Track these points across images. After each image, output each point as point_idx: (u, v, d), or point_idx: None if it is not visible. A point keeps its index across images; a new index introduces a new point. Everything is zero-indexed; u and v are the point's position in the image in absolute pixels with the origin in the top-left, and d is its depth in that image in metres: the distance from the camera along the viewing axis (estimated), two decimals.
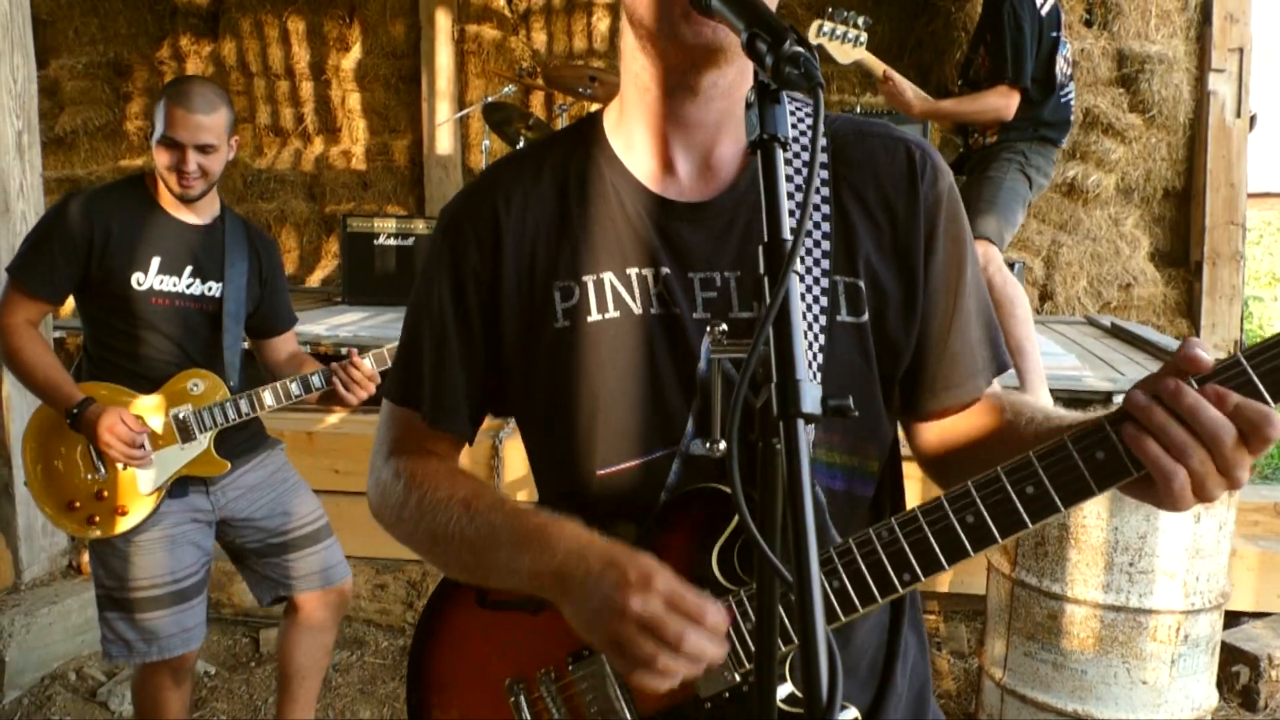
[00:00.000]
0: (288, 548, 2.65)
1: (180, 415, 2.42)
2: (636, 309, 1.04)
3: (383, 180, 8.08)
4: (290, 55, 8.19)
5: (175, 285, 2.42)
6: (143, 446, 2.33)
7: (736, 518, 0.97)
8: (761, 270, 0.77)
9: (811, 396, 0.71)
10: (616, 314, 1.04)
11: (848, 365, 1.03)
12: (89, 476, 2.39)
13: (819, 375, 1.00)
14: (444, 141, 7.81)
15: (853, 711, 1.00)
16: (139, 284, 2.38)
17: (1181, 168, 7.29)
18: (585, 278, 1.06)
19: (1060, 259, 7.16)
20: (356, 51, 8.10)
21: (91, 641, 3.52)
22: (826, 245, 1.02)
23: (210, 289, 2.48)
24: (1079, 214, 7.22)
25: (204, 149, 2.36)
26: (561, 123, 5.48)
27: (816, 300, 1.01)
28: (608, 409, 1.05)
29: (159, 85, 8.34)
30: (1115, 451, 0.87)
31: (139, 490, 2.38)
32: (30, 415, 2.42)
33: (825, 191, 1.03)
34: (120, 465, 2.35)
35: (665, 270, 1.03)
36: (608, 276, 1.05)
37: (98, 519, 2.37)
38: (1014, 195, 3.69)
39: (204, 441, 2.45)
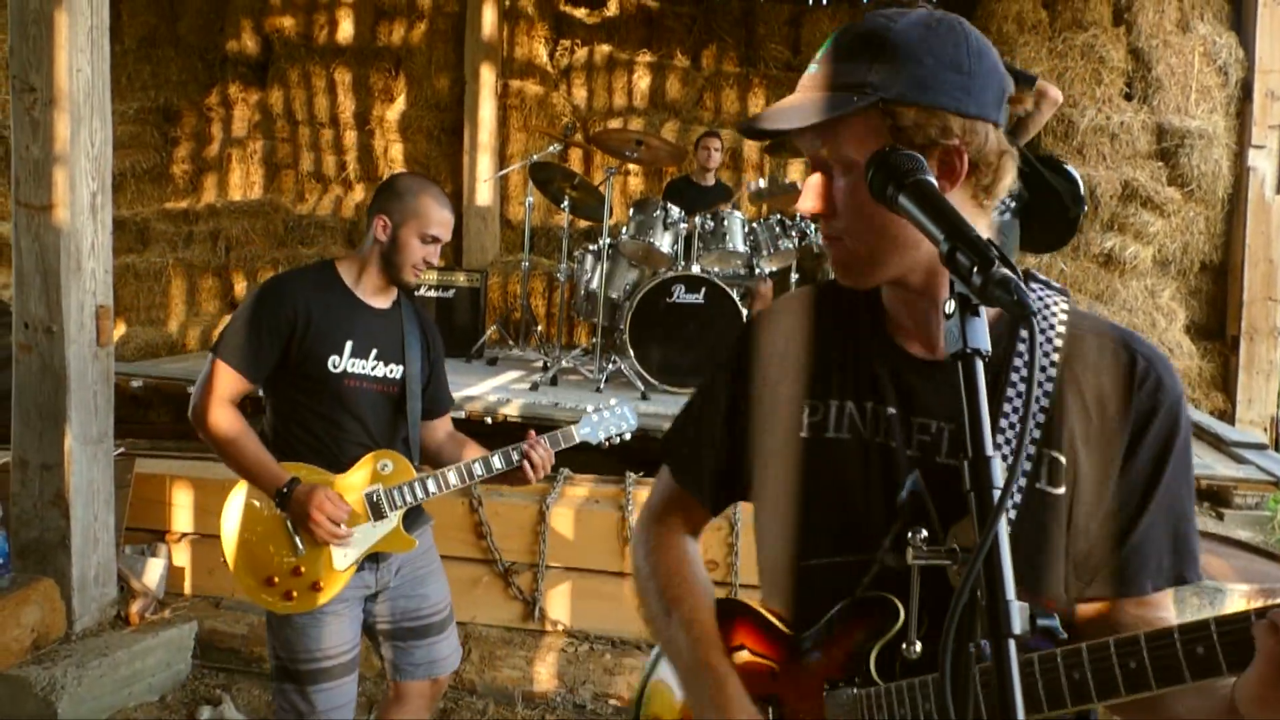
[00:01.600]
0: (415, 633, 2.65)
1: (373, 495, 2.48)
2: (864, 435, 1.21)
3: None
4: (336, 105, 8.37)
5: (364, 368, 2.49)
6: (344, 525, 2.41)
7: (901, 619, 1.12)
8: (966, 486, 0.83)
9: (1020, 617, 0.77)
10: (848, 436, 1.22)
11: (1041, 531, 1.12)
12: (287, 553, 2.44)
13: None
14: (484, 193, 7.93)
15: None
16: (334, 366, 2.45)
17: (1219, 241, 7.32)
18: (831, 401, 1.24)
19: None
20: (401, 103, 8.26)
21: (139, 693, 3.56)
22: (1041, 417, 1.12)
23: (392, 371, 2.54)
24: (1115, 285, 7.24)
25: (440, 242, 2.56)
26: (610, 186, 5.57)
27: (1020, 465, 1.11)
28: (823, 510, 1.23)
29: (206, 131, 8.55)
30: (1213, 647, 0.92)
31: (335, 567, 2.44)
32: (233, 498, 2.50)
33: (1052, 371, 1.14)
34: (321, 543, 2.41)
35: (892, 410, 1.19)
36: (849, 404, 1.23)
37: (295, 594, 2.42)
38: None
39: (394, 520, 2.51)
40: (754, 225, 6.01)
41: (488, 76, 7.87)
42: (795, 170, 8.24)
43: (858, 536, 1.18)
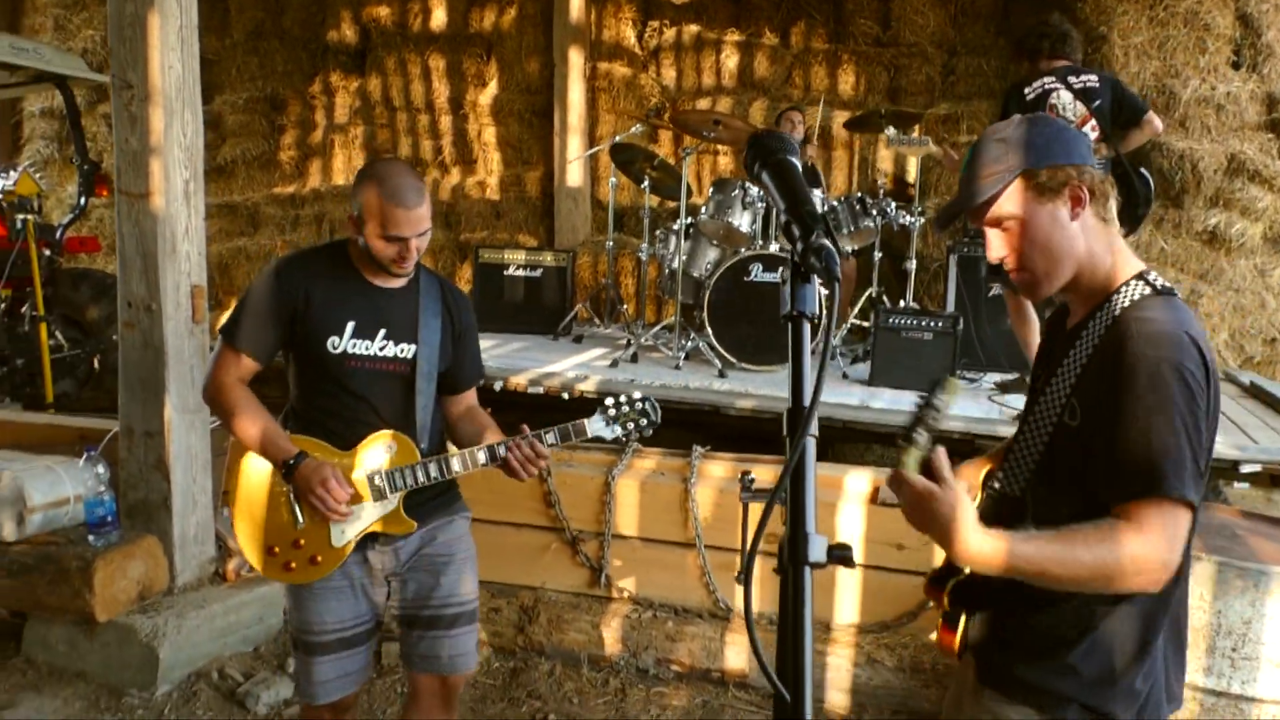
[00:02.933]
0: (433, 623, 2.60)
1: (375, 476, 2.47)
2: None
3: (515, 210, 8.41)
4: (431, 90, 8.64)
5: (368, 348, 2.46)
6: (345, 503, 2.41)
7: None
8: (784, 431, 0.99)
9: (819, 547, 0.96)
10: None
11: (1062, 452, 1.60)
12: (289, 525, 2.47)
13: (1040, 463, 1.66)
14: (574, 175, 8.08)
15: None
16: (334, 347, 2.43)
17: None
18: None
19: (1199, 310, 6.91)
20: (493, 87, 8.47)
21: (233, 644, 3.83)
22: (1078, 371, 1.59)
23: (404, 350, 2.49)
24: (1221, 263, 6.95)
25: (422, 234, 2.42)
26: (687, 165, 5.64)
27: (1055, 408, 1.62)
28: None
29: (311, 119, 8.92)
30: None
31: (333, 543, 2.46)
32: (242, 468, 2.55)
33: (1094, 343, 1.60)
34: (321, 519, 2.42)
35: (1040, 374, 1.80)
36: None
37: (294, 565, 2.47)
38: None
39: (394, 501, 2.49)
40: (834, 203, 5.99)
41: (576, 59, 8.01)
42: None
43: None
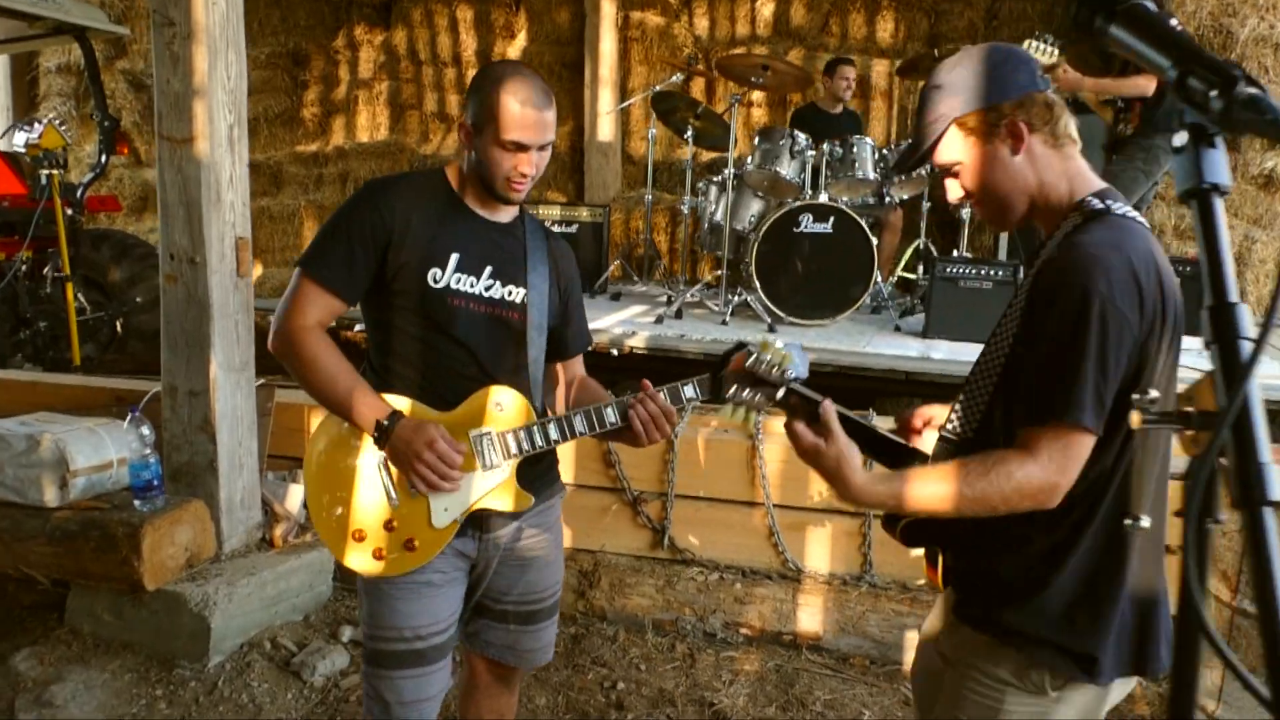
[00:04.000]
0: (512, 617, 2.26)
1: (483, 437, 2.05)
2: None
3: None
4: (458, 43, 8.39)
5: (474, 286, 2.08)
6: (457, 469, 2.01)
7: None
8: (1209, 337, 0.72)
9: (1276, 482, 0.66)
10: None
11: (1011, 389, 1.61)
12: (380, 504, 2.04)
13: None
14: (605, 129, 7.85)
15: None
16: (435, 280, 2.04)
17: None
18: None
19: (1253, 256, 6.69)
20: (522, 39, 8.22)
21: (284, 613, 3.69)
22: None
23: (511, 294, 2.11)
24: (1276, 207, 6.73)
25: (544, 148, 2.05)
26: (735, 113, 5.41)
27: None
28: None
29: (334, 74, 8.68)
30: None
31: (432, 523, 2.04)
32: (316, 434, 2.13)
33: (1036, 274, 1.59)
34: (419, 491, 2.01)
35: None
36: None
37: (385, 553, 2.03)
38: (1130, 191, 4.80)
39: (506, 470, 2.07)
40: (884, 152, 5.77)
41: (608, 9, 7.74)
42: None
43: None
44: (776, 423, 3.96)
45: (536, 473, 2.16)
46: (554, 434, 2.07)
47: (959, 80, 1.61)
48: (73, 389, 4.53)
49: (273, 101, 8.53)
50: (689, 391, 2.05)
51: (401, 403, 2.05)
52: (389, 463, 2.03)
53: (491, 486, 2.07)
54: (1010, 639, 1.59)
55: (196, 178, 3.53)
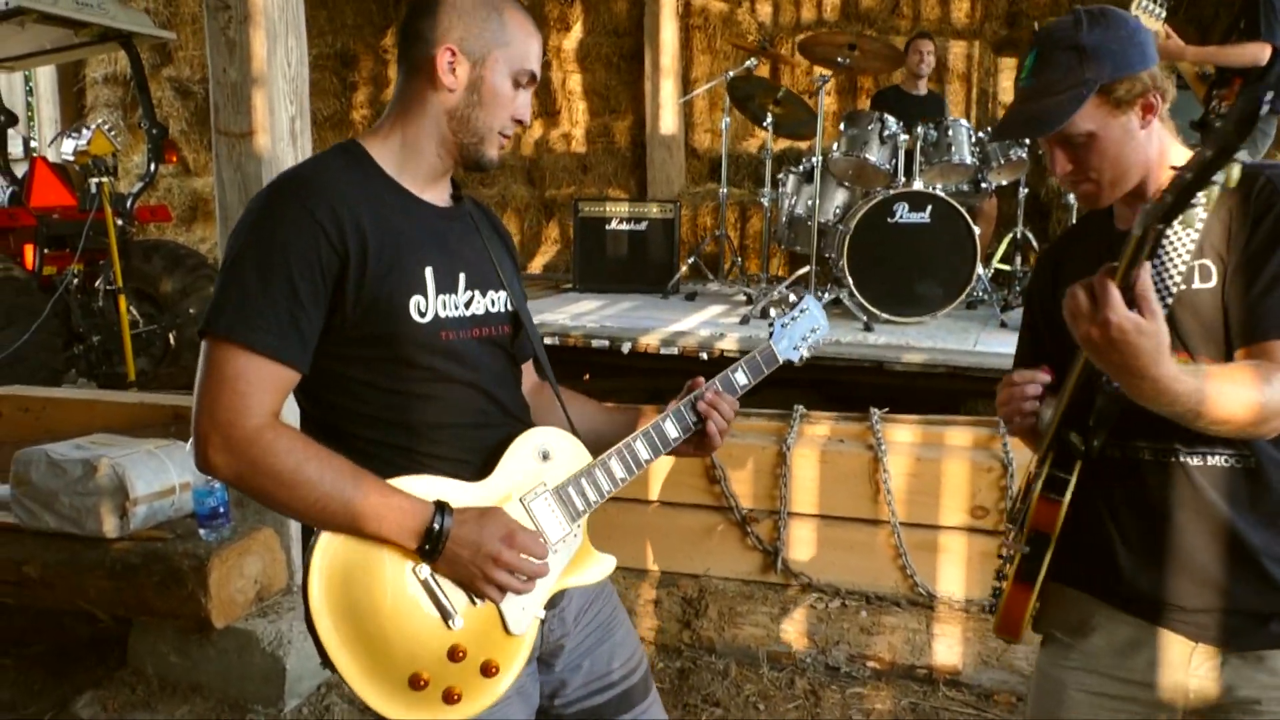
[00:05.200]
0: (616, 706, 1.76)
1: (540, 501, 1.59)
2: None
3: (603, 163, 7.86)
4: None
5: (457, 306, 1.56)
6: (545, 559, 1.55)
7: None
8: None
9: None
10: None
11: (1195, 315, 1.48)
12: (436, 631, 1.49)
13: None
14: (667, 121, 7.49)
15: None
16: (420, 313, 1.50)
17: None
18: None
19: None
20: (578, 31, 7.90)
21: None
22: (1196, 236, 1.47)
23: (495, 302, 1.63)
24: None
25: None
26: (822, 97, 5.02)
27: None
28: None
29: (384, 75, 8.41)
30: None
31: (511, 630, 1.53)
32: (319, 563, 1.44)
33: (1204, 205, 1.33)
34: (493, 599, 1.51)
35: None
36: None
37: (461, 692, 1.49)
38: None
39: (579, 533, 1.63)
40: (981, 134, 5.36)
41: None
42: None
43: None
44: (893, 430, 3.58)
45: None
46: (619, 472, 1.65)
47: (1102, 43, 1.45)
48: (130, 407, 4.24)
49: (321, 104, 8.27)
50: (741, 378, 1.79)
51: (424, 486, 1.49)
52: (436, 575, 1.47)
53: (568, 560, 1.61)
54: None
55: (258, 175, 3.22)
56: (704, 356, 4.43)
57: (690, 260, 6.15)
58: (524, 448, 1.58)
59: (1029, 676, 3.12)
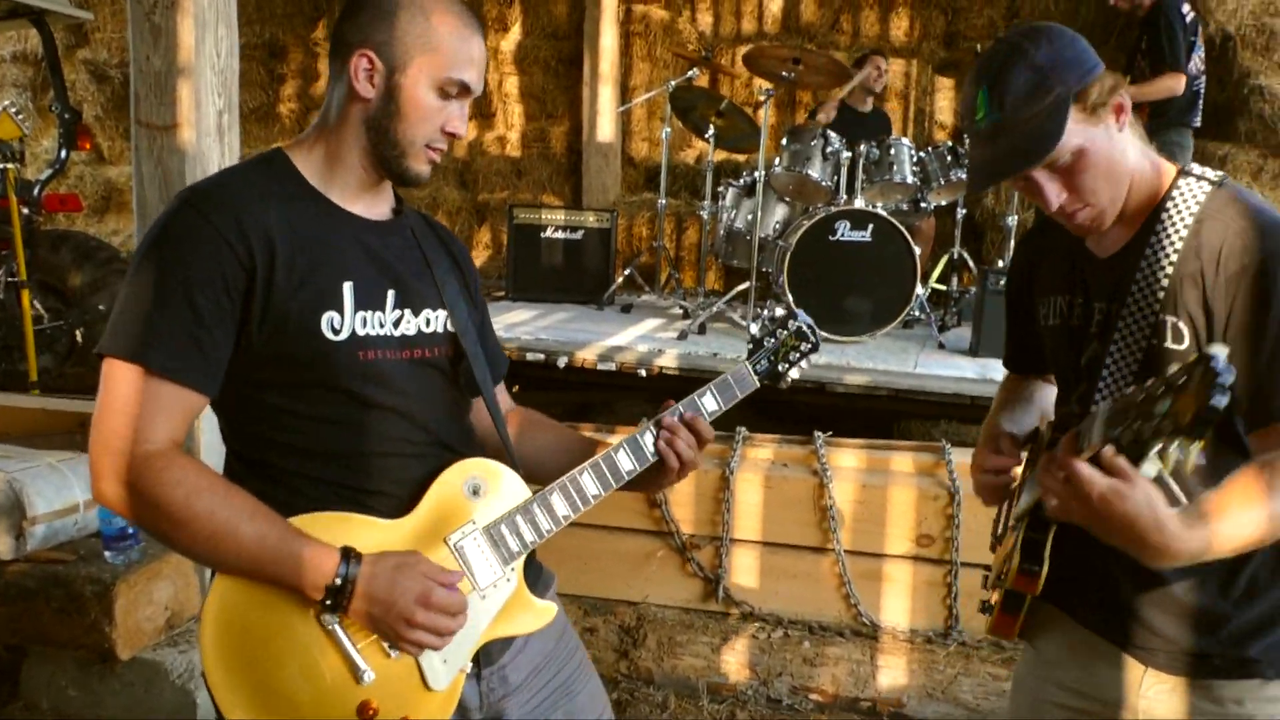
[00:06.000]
0: None
1: (468, 542, 1.43)
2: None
3: (538, 168, 7.71)
4: None
5: (382, 325, 1.42)
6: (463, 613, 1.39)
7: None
8: None
9: None
10: (1058, 322, 1.58)
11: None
12: (345, 686, 1.34)
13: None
14: (605, 128, 7.37)
15: None
16: (334, 330, 1.37)
17: None
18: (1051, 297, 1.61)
19: None
20: (516, 32, 7.74)
21: None
22: (1163, 290, 1.39)
23: (429, 321, 1.49)
24: None
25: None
26: (767, 110, 4.96)
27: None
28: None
29: (314, 68, 8.14)
30: None
31: (429, 685, 1.38)
32: (214, 607, 1.33)
33: (1174, 252, 1.39)
34: (411, 652, 1.37)
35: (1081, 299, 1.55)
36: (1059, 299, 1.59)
37: None
38: None
39: (513, 577, 1.46)
40: (923, 154, 5.36)
41: (609, 1, 7.28)
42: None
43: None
44: (838, 454, 3.51)
45: (529, 569, 1.52)
46: (562, 509, 1.49)
47: (1058, 55, 1.37)
48: (30, 413, 3.97)
49: (247, 96, 7.93)
50: (710, 403, 1.63)
51: (335, 525, 1.35)
52: (346, 624, 1.34)
53: (498, 608, 1.44)
54: (1247, 666, 1.42)
55: (180, 171, 3.01)
56: (643, 373, 4.33)
57: (627, 272, 6.03)
58: (453, 481, 1.44)
59: (973, 710, 3.09)
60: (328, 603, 1.30)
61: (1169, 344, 1.39)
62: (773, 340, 1.74)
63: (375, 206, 1.50)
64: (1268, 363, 1.31)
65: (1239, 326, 1.33)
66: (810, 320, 1.79)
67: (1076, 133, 1.36)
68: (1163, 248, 1.39)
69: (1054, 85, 1.34)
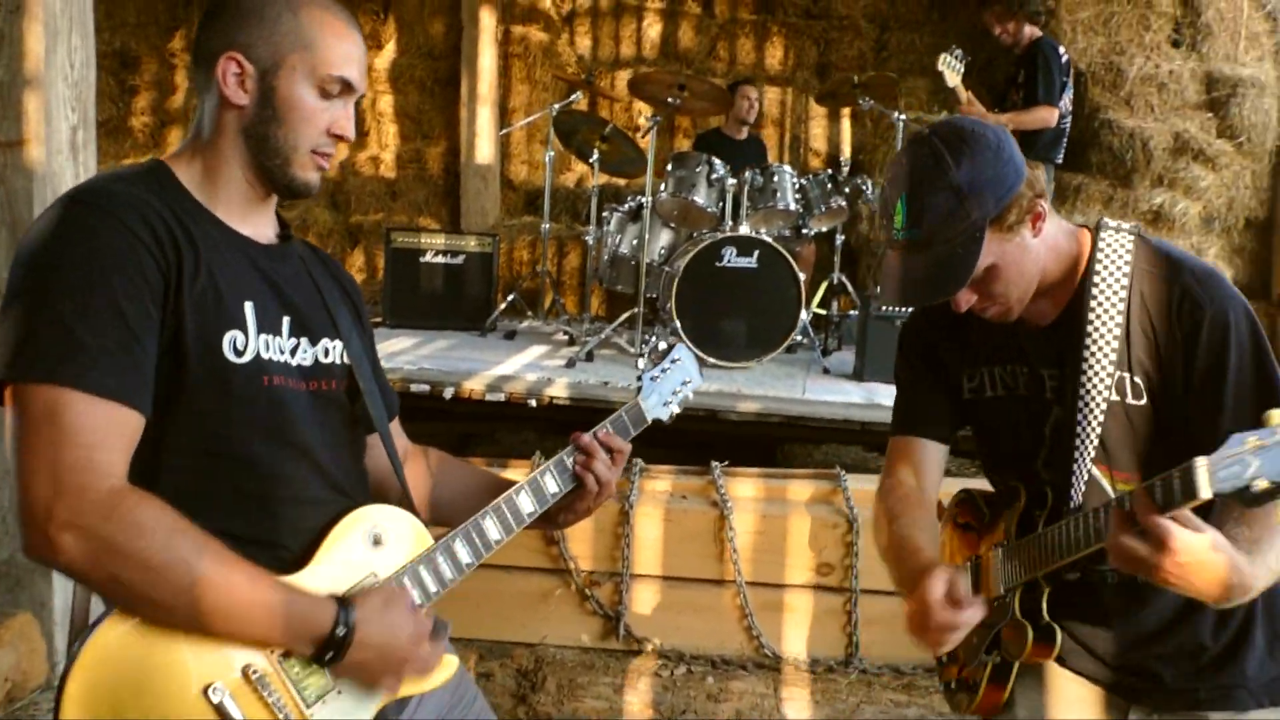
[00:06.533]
0: None
1: (358, 593, 1.31)
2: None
3: (414, 190, 7.49)
4: None
5: (282, 351, 1.32)
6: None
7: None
8: None
9: None
10: (1004, 393, 1.56)
11: (1128, 432, 1.44)
12: None
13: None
14: (484, 150, 7.22)
15: None
16: (237, 352, 1.25)
17: (1265, 197, 6.86)
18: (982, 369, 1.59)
19: None
20: (390, 50, 7.52)
21: None
22: (1116, 345, 1.42)
23: (327, 353, 1.39)
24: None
25: (358, 100, 1.39)
26: (654, 135, 4.92)
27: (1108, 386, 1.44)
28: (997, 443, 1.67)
29: (169, 80, 7.73)
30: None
31: None
32: (80, 683, 1.14)
33: (1121, 306, 1.42)
34: (394, 693, 1.32)
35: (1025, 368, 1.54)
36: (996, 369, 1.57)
37: None
38: None
39: None
40: (804, 181, 5.42)
41: (488, 21, 7.14)
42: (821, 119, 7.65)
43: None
44: (736, 484, 3.47)
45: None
46: (465, 556, 1.40)
47: (977, 177, 1.36)
48: None
49: (95, 109, 7.48)
50: (551, 485, 1.52)
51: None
52: (233, 697, 1.17)
53: None
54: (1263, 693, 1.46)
55: (28, 192, 2.78)
56: (532, 403, 4.20)
57: (510, 298, 5.89)
58: (351, 531, 1.33)
59: None
60: (327, 656, 1.20)
61: (1129, 400, 1.42)
62: (662, 375, 1.72)
63: (262, 229, 1.38)
64: (1233, 411, 1.35)
65: (1202, 382, 1.37)
66: (690, 354, 1.78)
67: (990, 252, 1.38)
68: (1104, 308, 1.42)
69: (971, 210, 1.35)
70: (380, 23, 7.55)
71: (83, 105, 2.89)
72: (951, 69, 5.13)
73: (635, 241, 5.33)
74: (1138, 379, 1.42)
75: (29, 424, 1.11)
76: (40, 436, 1.11)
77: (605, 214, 5.56)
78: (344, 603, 1.22)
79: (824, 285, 5.91)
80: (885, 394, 4.52)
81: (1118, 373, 1.42)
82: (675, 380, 1.74)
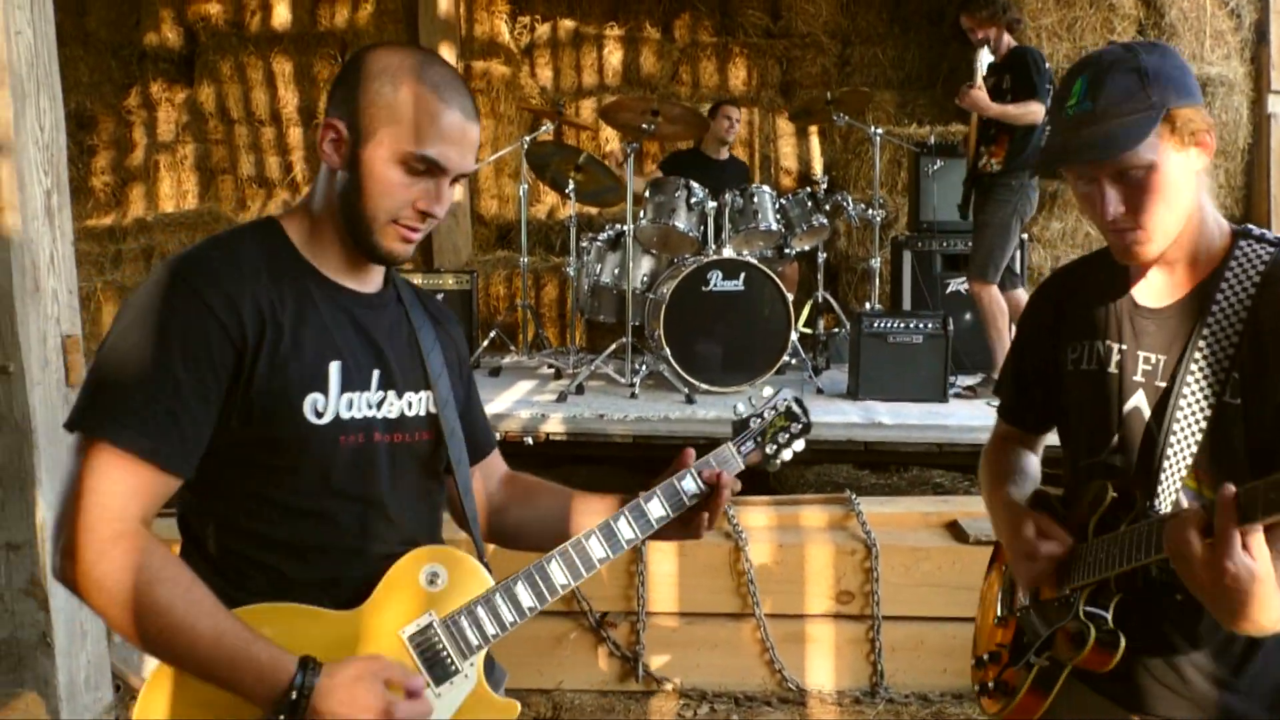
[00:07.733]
0: None
1: (426, 638, 1.34)
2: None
3: None
4: (276, 99, 7.52)
5: (368, 407, 1.36)
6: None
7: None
8: None
9: None
10: (1095, 368, 1.52)
11: (1222, 432, 1.36)
12: None
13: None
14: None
15: None
16: (317, 414, 1.31)
17: (1240, 195, 6.96)
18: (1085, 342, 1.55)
19: None
20: None
21: None
22: (1232, 347, 1.36)
23: (413, 404, 1.42)
24: None
25: (460, 180, 1.39)
26: (630, 163, 4.87)
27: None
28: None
29: (127, 136, 7.64)
30: None
31: None
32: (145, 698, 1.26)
33: (1244, 311, 1.36)
34: None
35: (1125, 345, 1.49)
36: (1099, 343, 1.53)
37: None
38: (1007, 234, 4.73)
39: (472, 674, 1.36)
40: (784, 201, 5.40)
41: (447, 57, 7.09)
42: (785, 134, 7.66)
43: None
44: (747, 514, 3.40)
45: (489, 659, 1.41)
46: (527, 600, 1.38)
47: (1163, 68, 1.34)
48: None
49: None
50: (690, 485, 1.52)
51: (280, 615, 1.28)
52: None
53: (456, 706, 1.34)
54: None
55: (5, 261, 2.68)
56: (529, 441, 4.12)
57: (493, 333, 5.81)
58: (408, 570, 1.36)
59: None
60: (281, 710, 1.20)
61: (1228, 397, 1.36)
62: (759, 421, 1.63)
63: (366, 279, 1.44)
64: None
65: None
66: (798, 397, 1.66)
67: (1157, 148, 1.32)
68: (1231, 305, 1.37)
69: (1152, 94, 1.32)
70: (338, 66, 7.48)
71: (55, 169, 2.79)
72: (982, 59, 5.02)
73: (616, 270, 5.27)
74: (1239, 380, 1.36)
75: (69, 468, 1.24)
76: (76, 476, 1.22)
77: (584, 244, 5.51)
78: (308, 666, 1.21)
79: (809, 304, 5.89)
80: (883, 413, 4.49)
81: (1222, 372, 1.36)
82: (778, 428, 1.65)
